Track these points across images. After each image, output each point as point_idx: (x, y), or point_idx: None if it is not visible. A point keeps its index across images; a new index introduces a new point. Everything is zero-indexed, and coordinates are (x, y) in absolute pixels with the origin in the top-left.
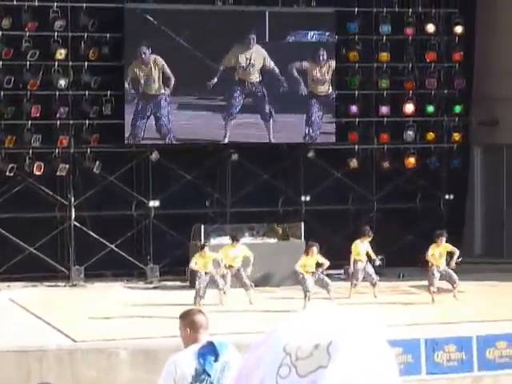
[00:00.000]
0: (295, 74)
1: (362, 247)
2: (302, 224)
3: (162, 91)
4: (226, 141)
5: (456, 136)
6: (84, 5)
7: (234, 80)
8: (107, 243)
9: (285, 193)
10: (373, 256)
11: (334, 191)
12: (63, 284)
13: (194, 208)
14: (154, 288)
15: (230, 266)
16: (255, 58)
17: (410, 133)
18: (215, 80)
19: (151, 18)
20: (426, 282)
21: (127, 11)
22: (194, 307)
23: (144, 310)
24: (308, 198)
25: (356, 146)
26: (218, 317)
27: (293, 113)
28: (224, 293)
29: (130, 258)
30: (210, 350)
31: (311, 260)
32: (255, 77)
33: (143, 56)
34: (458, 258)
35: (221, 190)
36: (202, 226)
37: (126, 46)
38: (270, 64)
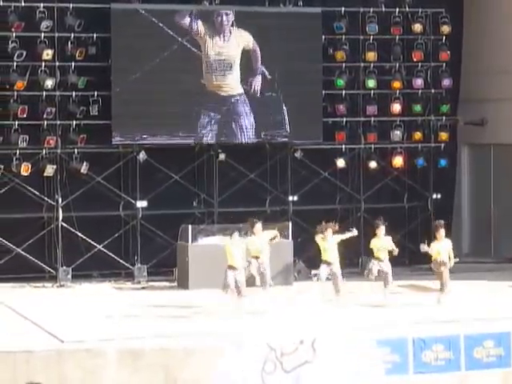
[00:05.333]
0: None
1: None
2: (290, 224)
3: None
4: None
5: (443, 135)
6: (70, 5)
7: None
8: (95, 244)
9: (272, 193)
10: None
11: (321, 191)
12: (50, 285)
13: (181, 208)
14: (142, 288)
15: (256, 257)
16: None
17: (397, 132)
18: None
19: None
20: (413, 282)
21: (113, 11)
22: None
23: (131, 311)
24: (295, 198)
25: (343, 146)
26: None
27: None
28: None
29: (117, 259)
30: None
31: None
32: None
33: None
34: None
35: (208, 190)
36: (190, 227)
37: (113, 46)
38: None
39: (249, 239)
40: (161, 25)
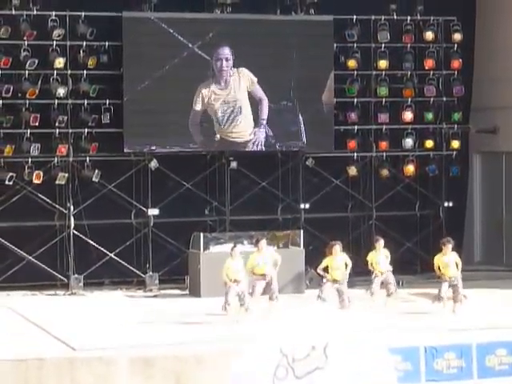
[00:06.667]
0: None
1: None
2: (302, 232)
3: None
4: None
5: (455, 143)
6: (82, 13)
7: None
8: (106, 252)
9: (284, 200)
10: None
11: (333, 199)
12: (62, 293)
13: (193, 216)
14: (154, 296)
15: (262, 275)
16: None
17: (409, 140)
18: None
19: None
20: (424, 290)
21: (125, 20)
22: None
23: (143, 319)
24: (307, 206)
25: (355, 154)
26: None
27: None
28: (246, 310)
29: (129, 267)
30: None
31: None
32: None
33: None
34: None
35: (220, 198)
36: (202, 235)
37: (125, 54)
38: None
39: (251, 255)
40: (171, 31)
